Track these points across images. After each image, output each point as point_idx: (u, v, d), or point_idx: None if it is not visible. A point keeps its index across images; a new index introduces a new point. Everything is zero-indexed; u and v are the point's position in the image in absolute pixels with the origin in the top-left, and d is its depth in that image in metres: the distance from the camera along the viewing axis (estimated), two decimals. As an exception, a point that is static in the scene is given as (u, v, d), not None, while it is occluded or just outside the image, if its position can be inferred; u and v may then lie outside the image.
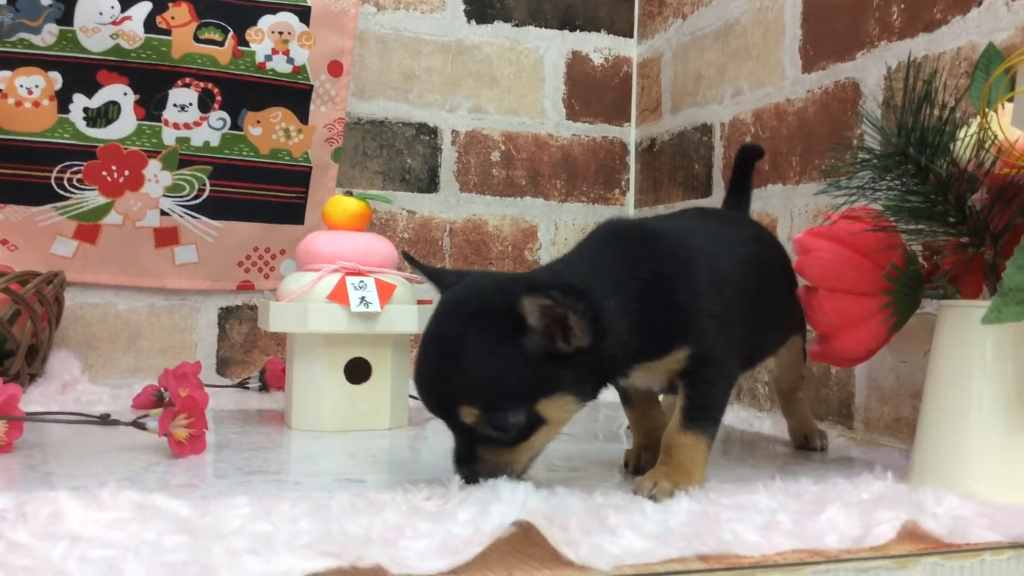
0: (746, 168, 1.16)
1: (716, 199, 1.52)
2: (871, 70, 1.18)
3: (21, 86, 1.43)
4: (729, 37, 1.50)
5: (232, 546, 0.56)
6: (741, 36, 1.46)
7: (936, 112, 0.79)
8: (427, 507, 0.68)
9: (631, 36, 1.82)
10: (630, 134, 1.83)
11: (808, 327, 0.98)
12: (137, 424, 0.92)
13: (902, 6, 1.14)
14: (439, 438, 1.13)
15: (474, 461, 0.75)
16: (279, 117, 1.55)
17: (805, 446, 1.06)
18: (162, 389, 1.25)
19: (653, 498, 0.73)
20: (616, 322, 0.76)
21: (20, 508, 0.62)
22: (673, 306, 0.79)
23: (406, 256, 0.88)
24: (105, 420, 1.02)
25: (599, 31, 1.80)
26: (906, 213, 0.79)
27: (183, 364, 1.15)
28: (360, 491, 0.72)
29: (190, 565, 0.53)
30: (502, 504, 0.61)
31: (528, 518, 0.58)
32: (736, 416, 1.28)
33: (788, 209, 1.33)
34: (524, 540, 0.61)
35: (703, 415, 0.81)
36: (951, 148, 0.79)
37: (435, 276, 0.83)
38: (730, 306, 0.83)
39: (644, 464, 0.88)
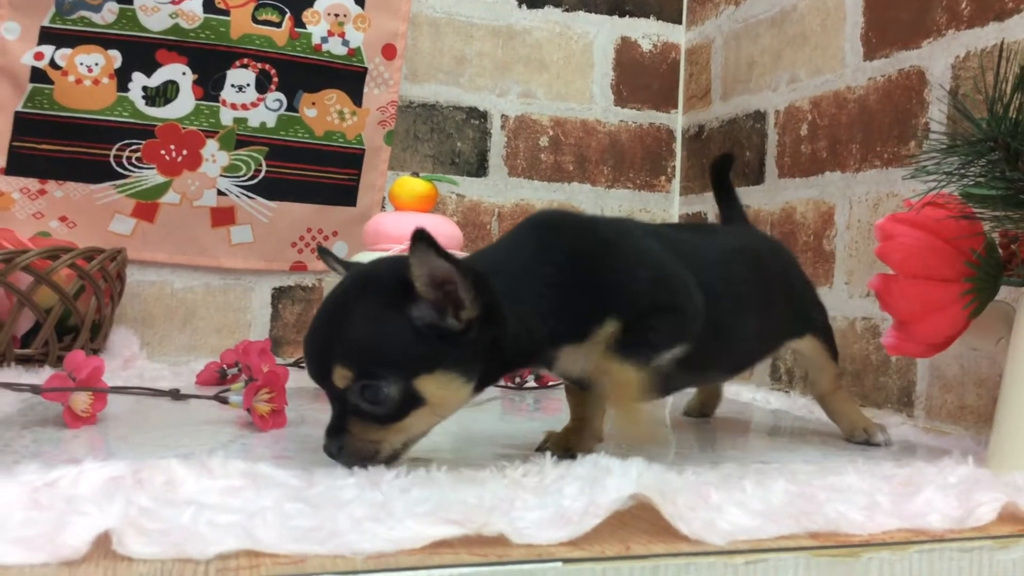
0: (723, 177, 1.15)
1: (769, 186, 1.53)
2: (938, 58, 1.18)
3: (81, 64, 1.44)
4: (785, 24, 1.50)
5: (354, 513, 0.57)
6: (798, 23, 1.46)
7: (1026, 99, 0.79)
8: (526, 482, 0.68)
9: (679, 22, 1.82)
10: (677, 121, 1.83)
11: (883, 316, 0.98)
12: (219, 398, 0.94)
13: (972, -6, 1.14)
14: (514, 416, 1.15)
15: (343, 434, 0.72)
16: (334, 99, 1.55)
17: (868, 442, 1.01)
18: (225, 366, 1.26)
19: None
20: (516, 304, 0.74)
21: (136, 475, 0.63)
22: (593, 287, 0.78)
23: (320, 251, 0.86)
24: (181, 395, 1.04)
25: (648, 17, 1.80)
26: (996, 201, 0.79)
27: (250, 342, 1.16)
28: (452, 464, 0.73)
29: (318, 531, 0.54)
30: (616, 478, 0.61)
31: (643, 492, 0.59)
32: (793, 403, 1.29)
33: (847, 197, 1.33)
34: (629, 514, 0.62)
35: (635, 345, 0.78)
36: (1041, 135, 0.79)
37: (348, 267, 0.82)
38: (678, 270, 0.82)
39: (571, 445, 0.85)
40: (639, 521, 0.61)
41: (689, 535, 0.58)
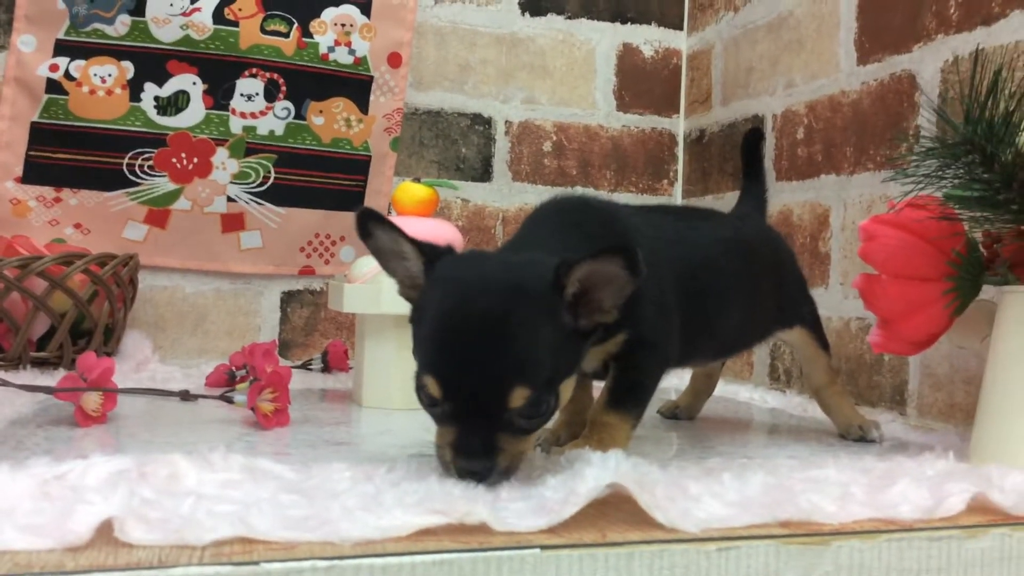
0: (754, 151, 1.21)
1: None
2: (928, 63, 1.20)
3: (95, 75, 1.48)
4: (782, 30, 1.52)
5: (346, 504, 0.60)
6: (795, 29, 1.49)
7: (1002, 103, 0.81)
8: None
9: (681, 29, 1.85)
10: (679, 125, 1.85)
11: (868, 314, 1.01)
12: (224, 398, 0.97)
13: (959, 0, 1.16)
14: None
15: (496, 453, 0.68)
16: (341, 107, 1.59)
17: (863, 438, 1.03)
18: (233, 368, 1.29)
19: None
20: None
21: (140, 469, 0.66)
22: None
23: (367, 214, 0.73)
24: (189, 396, 1.07)
25: (650, 24, 1.83)
26: (973, 202, 0.82)
27: (256, 344, 1.19)
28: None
29: (311, 519, 0.58)
30: (595, 468, 0.64)
31: (621, 482, 0.62)
32: (789, 402, 1.31)
33: (841, 200, 1.35)
34: (609, 505, 0.64)
35: (630, 396, 0.83)
36: (1017, 138, 0.81)
37: (421, 247, 0.74)
38: (668, 295, 0.85)
39: (562, 442, 0.89)
40: (618, 512, 0.64)
41: (665, 523, 0.61)
